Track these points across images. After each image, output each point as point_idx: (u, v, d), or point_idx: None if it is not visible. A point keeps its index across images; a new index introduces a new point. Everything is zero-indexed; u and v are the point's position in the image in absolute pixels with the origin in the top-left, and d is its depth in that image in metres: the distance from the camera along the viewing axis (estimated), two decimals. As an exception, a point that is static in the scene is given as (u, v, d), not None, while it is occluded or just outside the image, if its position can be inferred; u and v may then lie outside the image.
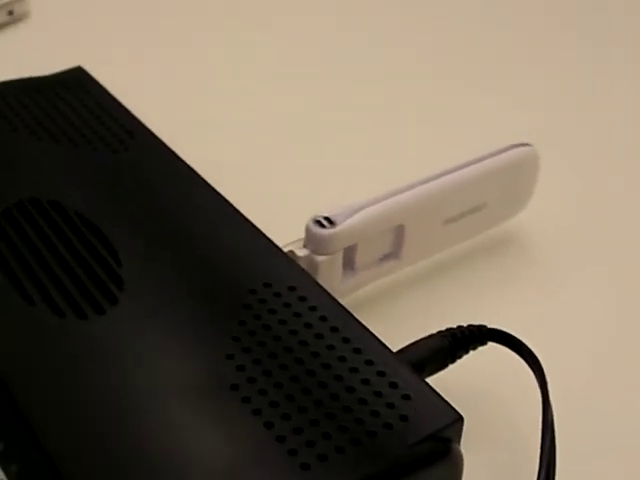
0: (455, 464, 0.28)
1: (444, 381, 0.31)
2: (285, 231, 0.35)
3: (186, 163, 0.37)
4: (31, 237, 0.33)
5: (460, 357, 0.32)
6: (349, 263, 0.35)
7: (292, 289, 0.31)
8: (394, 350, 0.30)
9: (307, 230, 0.33)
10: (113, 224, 0.34)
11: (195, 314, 0.30)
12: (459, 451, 0.27)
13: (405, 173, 0.41)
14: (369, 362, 0.29)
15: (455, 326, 0.32)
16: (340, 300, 0.31)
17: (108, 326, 0.29)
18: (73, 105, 0.41)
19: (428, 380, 0.29)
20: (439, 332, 0.32)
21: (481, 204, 0.38)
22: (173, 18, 0.62)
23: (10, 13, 0.60)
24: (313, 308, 0.30)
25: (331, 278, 0.34)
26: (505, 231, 0.42)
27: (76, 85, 0.43)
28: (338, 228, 0.33)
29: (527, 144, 0.39)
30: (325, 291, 0.31)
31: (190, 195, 0.35)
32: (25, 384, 0.27)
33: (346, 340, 0.29)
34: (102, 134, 0.39)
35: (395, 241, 0.36)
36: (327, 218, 0.33)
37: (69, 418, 0.26)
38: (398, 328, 0.35)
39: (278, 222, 0.35)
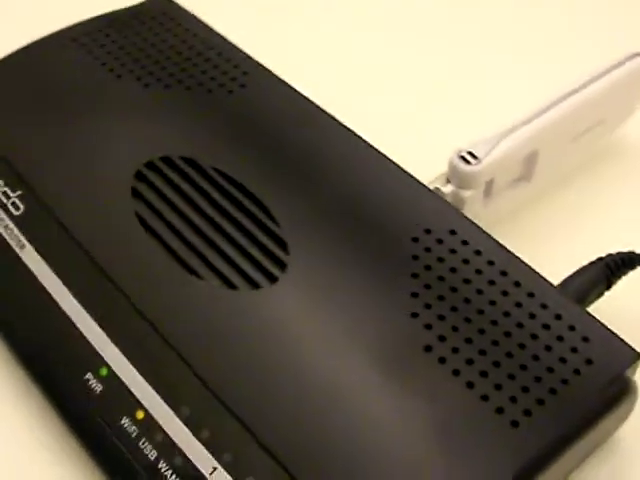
0: (635, 400, 0.28)
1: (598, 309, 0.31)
2: (416, 165, 0.34)
3: (309, 99, 0.36)
4: (173, 200, 0.32)
5: (614, 283, 0.32)
6: (487, 191, 0.35)
7: (453, 233, 0.31)
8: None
9: (452, 166, 0.33)
10: (253, 177, 0.32)
11: (366, 270, 0.29)
12: (637, 387, 0.28)
13: (528, 92, 0.40)
14: (544, 306, 0.29)
15: (604, 255, 0.32)
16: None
17: (284, 294, 0.29)
18: (170, 42, 0.39)
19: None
20: (592, 263, 0.32)
21: (603, 117, 0.38)
22: None
23: None
24: (478, 252, 0.30)
25: (475, 210, 0.34)
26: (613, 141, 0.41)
27: (166, 17, 0.41)
28: (484, 163, 0.33)
29: (643, 52, 0.38)
30: (482, 230, 0.31)
31: (321, 134, 0.34)
32: (209, 365, 0.27)
33: (517, 284, 0.29)
34: (212, 73, 0.37)
35: (528, 165, 0.35)
36: (470, 153, 0.33)
37: (259, 395, 0.27)
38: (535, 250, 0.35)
39: (406, 157, 0.34)
